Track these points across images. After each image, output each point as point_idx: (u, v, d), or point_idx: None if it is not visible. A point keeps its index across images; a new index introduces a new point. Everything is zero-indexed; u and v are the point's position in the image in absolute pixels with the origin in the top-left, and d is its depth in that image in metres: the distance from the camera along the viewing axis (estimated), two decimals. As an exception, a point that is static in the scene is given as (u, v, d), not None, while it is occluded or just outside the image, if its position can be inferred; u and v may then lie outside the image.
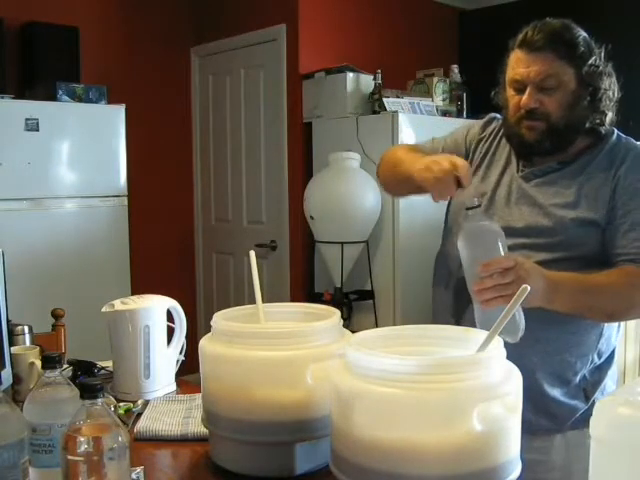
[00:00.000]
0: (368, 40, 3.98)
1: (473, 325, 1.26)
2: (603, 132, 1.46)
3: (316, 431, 1.14)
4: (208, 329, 1.23)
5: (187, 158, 4.52)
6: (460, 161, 1.34)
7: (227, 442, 1.20)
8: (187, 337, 1.71)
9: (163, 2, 4.24)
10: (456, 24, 4.51)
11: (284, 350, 1.13)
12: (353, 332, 1.16)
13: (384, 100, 3.50)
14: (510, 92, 1.46)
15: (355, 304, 3.53)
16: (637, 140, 1.52)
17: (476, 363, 0.93)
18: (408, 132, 3.38)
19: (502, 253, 1.28)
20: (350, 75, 3.62)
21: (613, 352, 1.55)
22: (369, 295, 3.50)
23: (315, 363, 1.12)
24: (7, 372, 1.42)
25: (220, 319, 1.21)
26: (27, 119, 3.25)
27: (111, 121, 3.59)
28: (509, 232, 1.37)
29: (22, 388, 1.48)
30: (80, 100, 3.49)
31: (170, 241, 4.39)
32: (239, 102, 4.23)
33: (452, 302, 1.52)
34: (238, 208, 4.31)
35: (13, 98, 3.32)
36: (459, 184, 1.32)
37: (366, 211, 3.36)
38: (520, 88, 1.42)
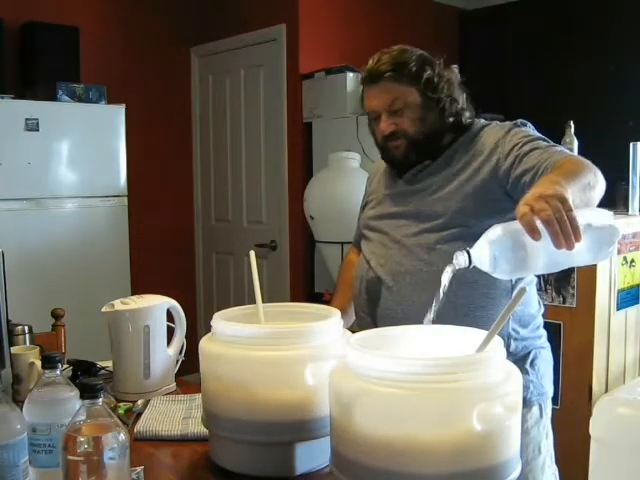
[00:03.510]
0: (368, 40, 3.97)
1: (385, 319, 1.48)
2: (464, 123, 1.63)
3: (316, 431, 1.14)
4: (208, 329, 1.23)
5: (187, 158, 4.52)
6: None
7: (227, 442, 1.20)
8: (187, 337, 1.71)
9: (163, 2, 4.24)
10: (456, 24, 4.50)
11: (284, 350, 1.13)
12: (353, 332, 1.16)
13: (384, 100, 3.50)
14: (372, 122, 1.67)
15: (355, 304, 3.53)
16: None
17: (476, 363, 0.93)
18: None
19: (517, 227, 1.09)
20: (350, 75, 3.62)
21: (541, 328, 1.61)
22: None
23: (315, 363, 1.12)
24: (7, 372, 1.42)
25: (220, 319, 1.21)
26: (27, 119, 3.25)
27: (111, 121, 3.59)
28: (401, 216, 1.60)
29: (22, 388, 1.48)
30: (80, 100, 3.49)
31: (170, 241, 4.39)
32: (239, 102, 4.23)
33: (365, 302, 1.61)
34: (238, 208, 4.31)
35: (13, 98, 3.31)
36: None
37: (366, 211, 3.36)
38: (376, 117, 1.62)
